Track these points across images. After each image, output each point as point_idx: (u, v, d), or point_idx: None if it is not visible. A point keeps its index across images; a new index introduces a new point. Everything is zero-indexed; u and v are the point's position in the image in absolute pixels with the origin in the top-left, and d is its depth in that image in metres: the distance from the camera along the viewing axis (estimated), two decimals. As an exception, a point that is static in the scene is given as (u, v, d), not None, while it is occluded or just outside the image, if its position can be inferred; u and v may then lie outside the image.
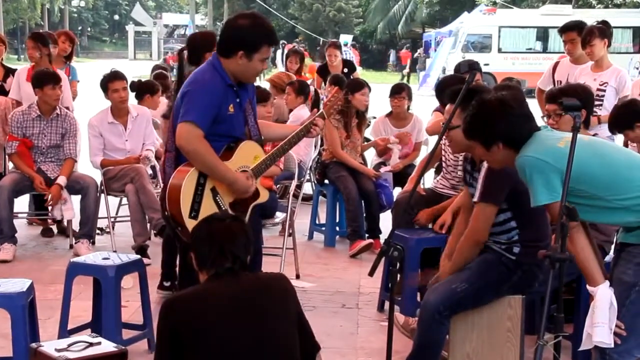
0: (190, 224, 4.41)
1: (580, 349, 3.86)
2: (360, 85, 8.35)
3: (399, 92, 8.52)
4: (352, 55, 25.72)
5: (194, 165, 4.55)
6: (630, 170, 3.92)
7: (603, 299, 3.76)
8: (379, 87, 14.25)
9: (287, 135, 5.06)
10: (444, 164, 6.55)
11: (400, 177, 8.25)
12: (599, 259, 3.90)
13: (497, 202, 4.52)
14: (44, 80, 7.71)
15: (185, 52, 5.78)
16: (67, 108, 8.22)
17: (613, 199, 3.85)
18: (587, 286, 3.86)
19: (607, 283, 3.83)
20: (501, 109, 4.07)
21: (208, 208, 4.56)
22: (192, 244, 3.68)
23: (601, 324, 3.73)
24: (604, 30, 7.48)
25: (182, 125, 4.50)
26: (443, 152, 6.48)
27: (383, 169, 8.40)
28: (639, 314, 3.89)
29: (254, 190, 4.80)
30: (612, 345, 3.77)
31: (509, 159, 4.02)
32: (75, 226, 8.00)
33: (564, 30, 7.91)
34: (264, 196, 4.92)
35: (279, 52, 36.57)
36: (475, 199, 4.59)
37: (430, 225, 6.37)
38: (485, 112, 4.11)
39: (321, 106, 10.58)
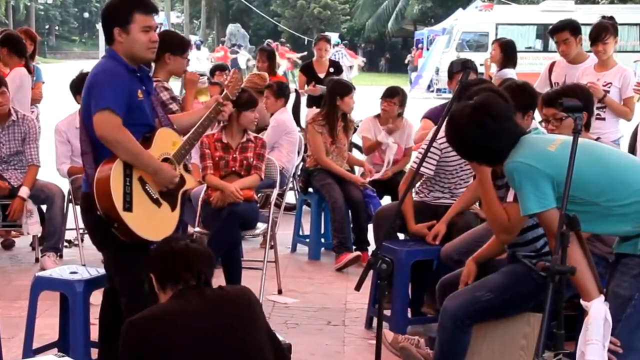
0: (127, 217, 4.47)
1: None
2: (349, 88, 8.30)
3: (392, 96, 8.37)
4: (345, 55, 25.73)
5: (118, 155, 4.56)
6: (627, 173, 3.93)
7: (597, 314, 3.76)
8: (373, 90, 14.29)
9: (199, 121, 5.16)
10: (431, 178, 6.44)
11: (389, 186, 8.21)
12: (594, 271, 3.89)
13: None
14: None
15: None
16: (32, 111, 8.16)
17: (610, 205, 3.85)
18: (581, 301, 3.86)
19: (602, 298, 3.83)
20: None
21: (139, 198, 4.60)
22: (152, 264, 3.73)
23: (595, 341, 3.72)
24: (616, 27, 7.52)
25: (99, 115, 4.51)
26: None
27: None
28: (636, 329, 3.89)
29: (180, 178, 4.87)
30: None
31: None
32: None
33: (555, 31, 7.80)
34: (190, 182, 4.99)
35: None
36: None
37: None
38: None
39: (301, 109, 10.65)
